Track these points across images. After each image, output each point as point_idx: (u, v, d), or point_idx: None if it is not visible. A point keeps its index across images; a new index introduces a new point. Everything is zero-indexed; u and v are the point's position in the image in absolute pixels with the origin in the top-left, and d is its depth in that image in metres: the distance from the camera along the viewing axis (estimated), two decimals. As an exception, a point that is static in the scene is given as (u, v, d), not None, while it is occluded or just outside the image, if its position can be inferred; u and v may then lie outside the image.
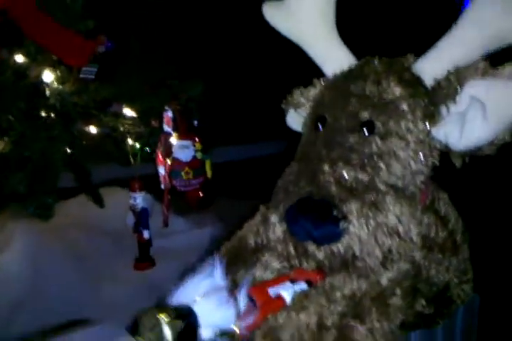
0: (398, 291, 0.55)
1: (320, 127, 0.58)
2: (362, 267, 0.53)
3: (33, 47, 1.14)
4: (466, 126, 0.51)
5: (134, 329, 0.47)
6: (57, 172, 1.22)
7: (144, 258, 1.34)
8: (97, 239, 1.43)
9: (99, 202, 1.48)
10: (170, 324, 0.46)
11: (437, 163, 0.58)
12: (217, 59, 2.25)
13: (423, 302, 0.59)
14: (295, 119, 0.69)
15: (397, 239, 0.53)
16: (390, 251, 0.53)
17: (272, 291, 0.57)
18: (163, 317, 0.46)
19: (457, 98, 0.52)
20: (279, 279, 0.61)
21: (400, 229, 0.53)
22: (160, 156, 1.47)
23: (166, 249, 1.44)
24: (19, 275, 1.13)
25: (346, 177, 0.53)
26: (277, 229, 0.55)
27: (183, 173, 1.45)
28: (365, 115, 0.55)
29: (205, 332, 0.49)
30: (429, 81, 0.56)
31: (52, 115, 1.22)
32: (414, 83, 0.56)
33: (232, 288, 0.54)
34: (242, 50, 2.35)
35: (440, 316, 0.65)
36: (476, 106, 0.50)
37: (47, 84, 1.18)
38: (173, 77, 1.43)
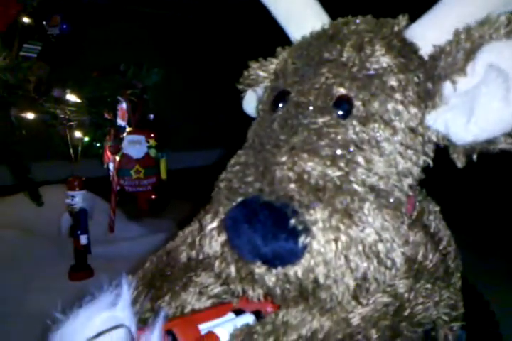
0: (374, 333, 0.41)
1: (280, 105, 0.44)
2: (326, 299, 0.38)
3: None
4: (478, 108, 0.37)
5: None
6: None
7: (81, 267, 1.19)
8: (31, 241, 1.30)
9: (37, 199, 1.33)
10: None
11: (431, 162, 0.44)
12: (182, 47, 2.11)
13: None
14: (252, 104, 0.55)
15: (376, 262, 0.39)
16: (365, 278, 0.39)
17: (204, 328, 0.42)
18: None
19: (469, 68, 0.38)
20: (219, 309, 0.46)
21: (381, 248, 0.39)
22: (108, 152, 1.31)
23: (110, 258, 1.30)
24: None
25: (312, 172, 0.38)
26: (215, 241, 0.40)
27: (132, 172, 1.29)
28: (340, 90, 0.41)
29: None
30: (426, 49, 0.42)
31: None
32: (407, 52, 0.42)
33: (147, 323, 0.38)
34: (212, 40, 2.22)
35: None
36: (495, 78, 0.36)
37: (-25, 58, 1.01)
38: (129, 63, 1.27)
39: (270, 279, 0.38)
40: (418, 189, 0.49)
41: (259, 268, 0.38)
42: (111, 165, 1.36)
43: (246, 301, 0.47)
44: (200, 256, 0.47)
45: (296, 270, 0.37)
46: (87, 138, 1.36)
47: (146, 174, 1.31)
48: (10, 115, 1.21)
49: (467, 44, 0.37)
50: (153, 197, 1.37)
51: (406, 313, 0.42)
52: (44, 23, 1.32)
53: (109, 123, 1.32)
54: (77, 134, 1.31)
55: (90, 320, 0.35)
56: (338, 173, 0.38)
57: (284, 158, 0.39)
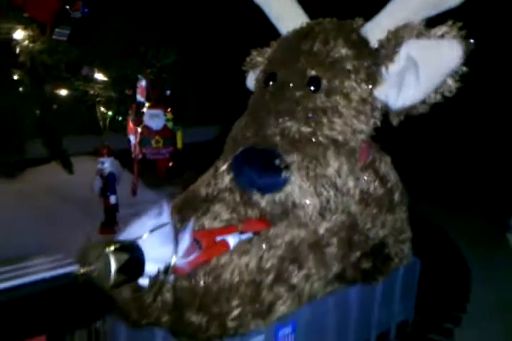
0: (334, 241, 0.59)
1: (270, 83, 0.61)
2: (301, 215, 0.57)
3: (4, 3, 1.13)
4: (403, 85, 0.55)
5: (82, 259, 0.49)
6: (27, 130, 1.23)
7: (110, 223, 1.35)
8: (65, 205, 1.45)
9: (68, 167, 1.48)
10: (115, 255, 0.48)
11: (378, 123, 0.61)
12: (195, 28, 2.24)
13: (358, 254, 0.63)
14: (253, 81, 0.72)
15: (335, 191, 0.57)
16: (327, 201, 0.57)
17: (218, 238, 0.60)
18: (109, 249, 0.48)
19: (395, 58, 0.55)
20: (228, 229, 0.64)
21: (338, 181, 0.57)
22: (131, 124, 1.48)
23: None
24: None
25: (291, 129, 0.56)
26: (225, 178, 0.58)
27: (153, 142, 1.46)
28: (312, 72, 0.58)
29: (150, 267, 0.52)
30: (374, 43, 0.60)
31: (22, 74, 1.22)
32: (360, 44, 0.60)
33: (180, 230, 0.56)
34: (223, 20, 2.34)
35: (378, 272, 0.68)
36: (412, 66, 0.54)
37: (17, 42, 1.18)
38: (148, 45, 1.43)
39: (263, 202, 0.57)
40: (373, 144, 0.67)
41: (256, 195, 0.57)
42: (132, 138, 1.52)
43: (247, 226, 0.65)
44: (215, 193, 0.64)
45: (280, 195, 0.56)
46: (110, 113, 1.53)
47: (164, 144, 1.48)
48: (43, 90, 1.37)
49: (393, 41, 0.55)
50: (170, 164, 1.55)
51: (358, 228, 0.61)
52: (67, 7, 1.47)
53: (130, 100, 1.49)
54: (104, 109, 1.49)
55: (145, 224, 0.53)
56: (309, 130, 0.56)
57: (272, 120, 0.57)
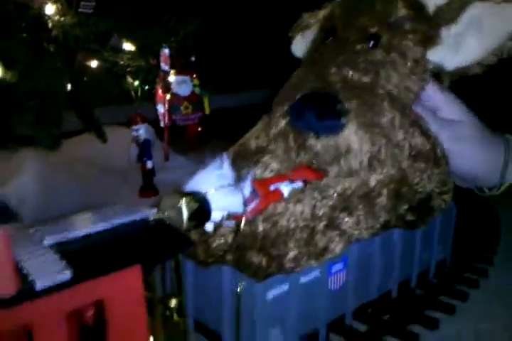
0: (384, 192, 0.61)
1: (329, 39, 0.64)
2: (352, 161, 0.59)
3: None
4: (462, 46, 0.58)
5: (158, 206, 0.54)
6: (62, 103, 1.27)
7: (148, 187, 1.40)
8: (102, 174, 1.50)
9: (101, 136, 1.51)
10: (187, 204, 0.53)
11: (426, 85, 0.64)
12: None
13: (405, 206, 0.65)
14: (300, 46, 0.74)
15: (387, 141, 0.59)
16: (379, 151, 0.60)
17: (272, 187, 0.64)
18: (181, 199, 0.53)
19: (458, 20, 0.58)
20: (280, 178, 0.67)
21: (390, 132, 0.60)
22: (160, 92, 1.51)
23: (168, 181, 1.49)
24: (31, 198, 1.20)
25: (352, 78, 0.59)
26: (280, 123, 0.61)
27: (182, 108, 1.50)
28: (372, 30, 0.61)
29: (216, 214, 0.56)
30: (432, 8, 0.63)
31: (55, 47, 1.25)
32: (418, 7, 0.63)
33: (238, 180, 0.60)
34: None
35: (422, 222, 0.71)
36: (474, 25, 0.56)
37: (49, 17, 1.20)
38: (171, 13, 1.44)
39: (318, 145, 0.60)
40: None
41: (311, 139, 0.60)
42: (160, 107, 1.55)
43: (297, 174, 0.68)
44: (265, 145, 0.67)
45: (336, 139, 0.59)
46: (136, 83, 1.56)
47: (193, 109, 1.51)
48: (74, 62, 1.41)
49: (457, 4, 0.56)
50: (199, 129, 1.59)
51: (407, 181, 0.63)
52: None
53: (155, 68, 1.51)
54: (131, 79, 1.52)
55: (209, 176, 0.57)
56: (368, 80, 0.59)
57: (333, 70, 0.59)
